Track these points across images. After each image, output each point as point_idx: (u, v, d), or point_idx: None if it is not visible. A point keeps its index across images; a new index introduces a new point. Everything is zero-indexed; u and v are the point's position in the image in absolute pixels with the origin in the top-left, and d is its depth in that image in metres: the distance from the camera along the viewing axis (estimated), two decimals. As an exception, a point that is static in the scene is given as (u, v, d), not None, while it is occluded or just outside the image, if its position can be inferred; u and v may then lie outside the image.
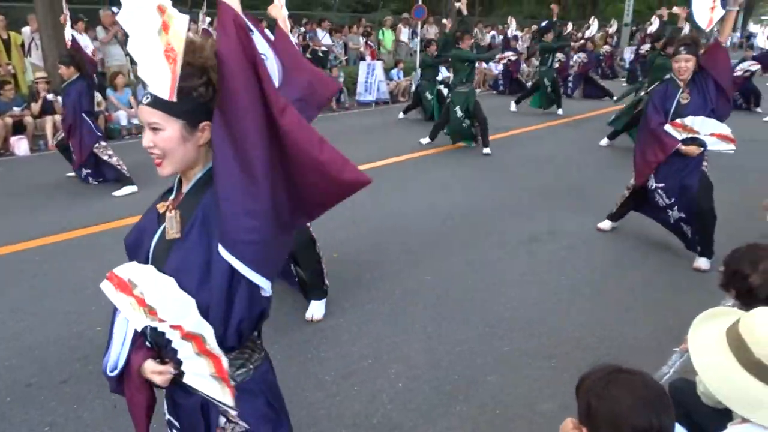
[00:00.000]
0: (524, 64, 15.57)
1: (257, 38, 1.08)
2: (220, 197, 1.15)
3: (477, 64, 9.31)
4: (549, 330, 3.34)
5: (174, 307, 1.22)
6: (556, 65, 11.43)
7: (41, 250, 4.44)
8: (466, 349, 3.15)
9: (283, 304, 3.56)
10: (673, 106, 4.06)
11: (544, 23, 11.28)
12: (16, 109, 7.97)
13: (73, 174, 6.30)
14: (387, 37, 15.05)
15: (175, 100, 1.15)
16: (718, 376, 1.43)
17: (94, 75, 6.55)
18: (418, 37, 13.49)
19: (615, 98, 11.62)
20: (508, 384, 2.84)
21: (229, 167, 1.13)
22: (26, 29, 9.27)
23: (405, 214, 5.29)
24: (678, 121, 4.01)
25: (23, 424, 2.55)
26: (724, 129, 3.96)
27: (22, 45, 9.29)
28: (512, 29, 14.74)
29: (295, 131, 1.12)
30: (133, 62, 1.30)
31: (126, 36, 1.25)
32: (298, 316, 3.43)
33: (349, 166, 1.18)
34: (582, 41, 14.16)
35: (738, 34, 28.39)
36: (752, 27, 30.16)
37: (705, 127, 3.95)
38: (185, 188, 1.32)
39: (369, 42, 14.33)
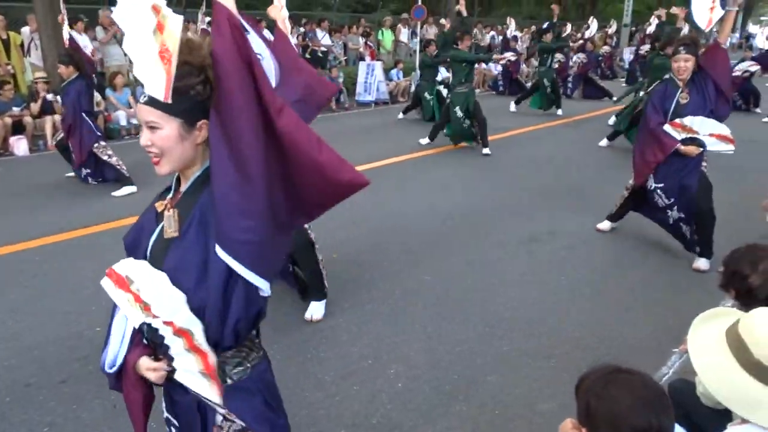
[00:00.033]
0: (524, 65, 15.58)
1: (253, 38, 1.07)
2: (216, 196, 1.15)
3: (476, 65, 9.32)
4: (549, 330, 3.34)
5: (167, 303, 1.23)
6: (556, 66, 11.43)
7: (41, 250, 4.44)
8: (465, 349, 3.15)
9: (283, 304, 3.56)
10: (673, 106, 4.06)
11: (545, 24, 11.28)
12: (16, 109, 7.96)
13: (72, 174, 6.29)
14: (386, 37, 15.06)
15: (170, 101, 1.15)
16: (717, 376, 1.43)
17: (93, 75, 6.54)
18: (418, 38, 13.50)
19: (615, 99, 11.63)
20: (508, 384, 2.84)
21: (225, 166, 1.13)
22: (26, 29, 9.27)
23: (405, 214, 5.29)
24: (677, 121, 4.01)
25: (22, 424, 2.54)
26: (723, 129, 3.96)
27: (22, 45, 9.29)
28: (511, 30, 14.74)
29: (292, 132, 1.12)
30: (132, 62, 1.29)
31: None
32: (297, 317, 3.43)
33: (347, 167, 1.18)
34: (581, 41, 14.16)
35: (737, 34, 28.41)
36: (751, 28, 30.18)
37: (704, 127, 3.95)
38: (183, 187, 1.32)
39: (368, 42, 14.33)
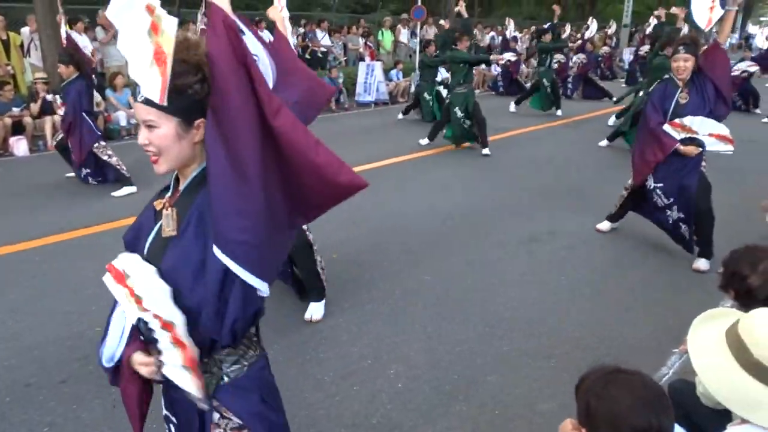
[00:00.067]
0: (523, 65, 15.59)
1: (249, 39, 1.07)
2: (212, 196, 1.15)
3: (477, 66, 9.31)
4: (549, 330, 3.35)
5: (154, 296, 1.23)
6: (555, 66, 11.43)
7: (41, 250, 4.44)
8: (465, 349, 3.15)
9: (282, 305, 3.56)
10: (672, 105, 4.06)
11: (546, 25, 11.29)
12: (16, 110, 7.96)
13: (72, 174, 6.29)
14: (386, 37, 15.07)
15: (165, 103, 1.15)
16: (717, 376, 1.43)
17: (93, 75, 6.55)
18: (418, 38, 13.50)
19: (615, 99, 11.64)
20: (508, 384, 2.84)
21: (221, 166, 1.13)
22: (25, 30, 9.27)
23: (405, 214, 5.29)
24: (677, 120, 4.01)
25: (22, 424, 2.55)
26: (722, 129, 3.96)
27: (22, 45, 9.29)
28: (510, 30, 14.74)
29: (289, 132, 1.12)
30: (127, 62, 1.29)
31: None
32: (297, 317, 3.44)
33: (345, 169, 1.18)
34: (579, 42, 14.17)
35: (736, 35, 28.43)
36: (751, 28, 30.21)
37: (704, 127, 3.95)
38: (182, 186, 1.32)
39: (368, 43, 14.34)
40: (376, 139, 8.89)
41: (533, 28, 18.17)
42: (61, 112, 5.75)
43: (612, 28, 18.49)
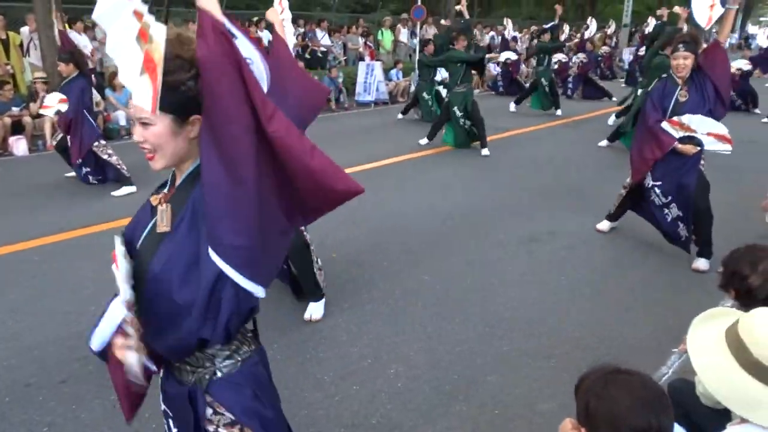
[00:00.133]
0: (523, 65, 15.59)
1: (242, 42, 1.05)
2: (206, 200, 1.15)
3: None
4: (549, 330, 3.35)
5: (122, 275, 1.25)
6: (555, 66, 11.43)
7: (40, 250, 4.44)
8: (465, 349, 3.15)
9: (282, 304, 3.56)
10: (671, 103, 4.06)
11: (548, 24, 11.29)
12: (15, 109, 7.96)
13: (72, 174, 6.29)
14: (386, 37, 15.07)
15: (157, 114, 1.15)
16: (717, 376, 1.43)
17: (93, 74, 6.56)
18: (417, 38, 13.50)
19: (619, 101, 11.64)
20: (508, 384, 2.84)
21: (215, 171, 1.13)
22: (25, 29, 9.27)
23: (405, 214, 5.29)
24: (675, 118, 4.00)
25: (22, 424, 2.54)
26: (721, 129, 3.95)
27: (21, 45, 9.29)
28: (509, 30, 14.74)
29: (283, 137, 1.12)
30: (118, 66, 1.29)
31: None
32: (296, 317, 3.43)
33: (341, 174, 1.18)
34: (577, 41, 14.18)
35: (736, 35, 28.44)
36: (751, 28, 30.22)
37: (702, 126, 3.94)
38: (178, 182, 1.33)
39: (368, 42, 14.34)
40: (376, 138, 8.89)
41: (533, 28, 18.17)
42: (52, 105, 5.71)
43: (611, 28, 18.50)
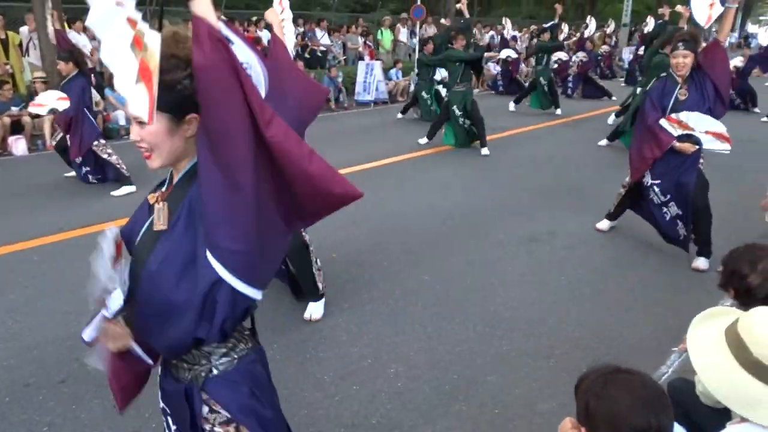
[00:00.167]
0: (523, 64, 15.59)
1: (239, 47, 1.05)
2: (204, 205, 1.16)
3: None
4: (548, 330, 3.35)
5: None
6: (555, 66, 11.42)
7: (40, 250, 4.44)
8: (465, 348, 3.15)
9: (281, 303, 3.56)
10: (671, 102, 4.05)
11: (548, 24, 11.29)
12: (14, 109, 7.96)
13: (71, 174, 6.29)
14: (386, 37, 15.06)
15: (154, 122, 1.16)
16: (716, 375, 1.43)
17: (92, 74, 6.56)
18: (417, 37, 13.50)
19: (621, 103, 11.62)
20: (508, 384, 2.84)
21: (213, 177, 1.13)
22: (24, 29, 9.27)
23: (404, 214, 5.29)
24: (673, 116, 4.00)
25: (22, 423, 2.54)
26: (719, 127, 3.93)
27: (20, 45, 9.29)
28: (508, 29, 14.74)
29: (281, 142, 1.12)
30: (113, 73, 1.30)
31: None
32: (296, 316, 3.43)
33: (339, 178, 1.19)
34: (574, 39, 14.18)
35: (736, 34, 28.44)
36: (750, 27, 30.22)
37: (700, 124, 3.93)
38: (175, 180, 1.33)
39: (367, 42, 14.34)
40: (376, 138, 8.89)
41: (533, 27, 18.16)
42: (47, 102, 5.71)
43: (611, 27, 18.49)
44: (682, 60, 3.94)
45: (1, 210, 5.33)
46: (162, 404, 1.46)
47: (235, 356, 1.36)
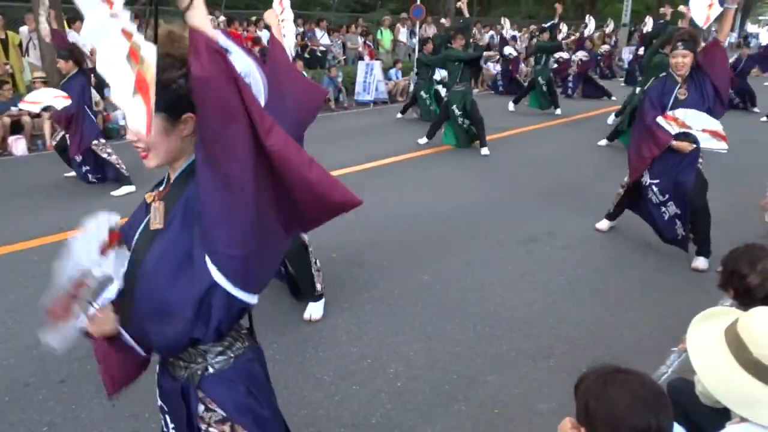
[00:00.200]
0: (522, 64, 15.59)
1: (237, 56, 1.05)
2: (202, 204, 1.17)
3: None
4: (548, 330, 3.35)
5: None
6: (555, 66, 11.42)
7: (40, 250, 4.44)
8: (465, 348, 3.15)
9: (281, 303, 3.56)
10: (671, 101, 4.05)
11: (548, 24, 11.29)
12: (14, 109, 7.95)
13: (71, 174, 6.29)
14: (385, 36, 15.06)
15: (152, 133, 1.16)
16: (716, 375, 1.43)
17: (92, 74, 6.55)
18: (417, 37, 13.50)
19: (621, 104, 11.63)
20: (507, 384, 2.84)
21: (212, 183, 1.14)
22: (24, 29, 9.27)
23: (404, 214, 5.29)
24: (670, 113, 3.99)
25: (21, 423, 2.54)
26: (716, 125, 3.92)
27: (20, 45, 9.29)
28: (506, 29, 14.74)
29: (282, 150, 1.13)
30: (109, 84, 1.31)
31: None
32: (296, 315, 3.43)
33: (339, 186, 1.21)
34: (572, 38, 14.17)
35: (735, 34, 28.42)
36: (750, 27, 30.22)
37: (697, 121, 3.92)
38: (171, 179, 1.34)
39: (367, 42, 14.34)
40: (375, 138, 8.89)
41: (532, 27, 18.16)
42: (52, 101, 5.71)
43: (610, 27, 18.48)
44: (682, 60, 3.95)
45: (1, 210, 5.33)
46: (160, 402, 1.47)
47: (232, 355, 1.37)
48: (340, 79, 11.98)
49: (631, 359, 2.75)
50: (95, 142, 5.88)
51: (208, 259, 1.18)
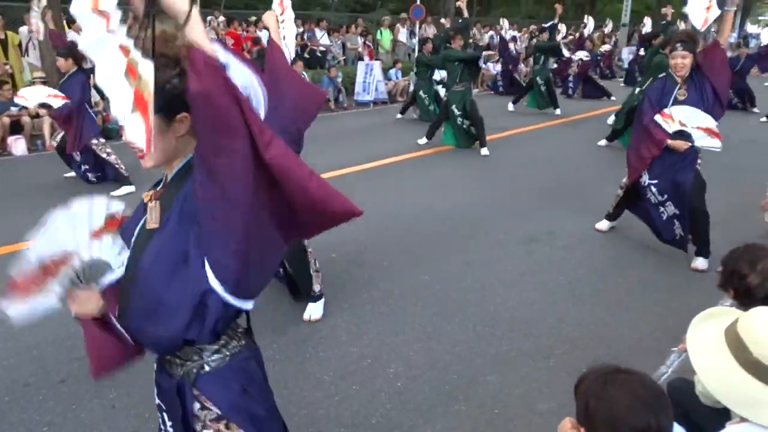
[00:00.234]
0: (522, 64, 15.59)
1: (237, 69, 1.05)
2: (200, 220, 1.18)
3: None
4: (548, 330, 3.35)
5: None
6: (554, 66, 11.40)
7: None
8: (465, 348, 3.15)
9: (281, 304, 3.56)
10: (670, 102, 4.06)
11: (548, 24, 11.29)
12: (14, 109, 7.95)
13: (71, 174, 6.29)
14: (385, 37, 15.06)
15: (152, 151, 1.18)
16: (716, 375, 1.43)
17: (92, 74, 6.55)
18: (416, 37, 13.49)
19: (616, 102, 11.64)
20: (507, 384, 2.84)
21: (209, 195, 1.15)
22: (24, 29, 9.26)
23: (404, 214, 5.29)
24: (666, 111, 4.00)
25: (21, 423, 2.54)
26: (709, 122, 3.91)
27: (20, 45, 9.28)
28: (505, 29, 14.73)
29: (281, 164, 1.14)
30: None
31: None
32: (296, 316, 3.43)
33: (339, 197, 1.22)
34: (571, 37, 14.16)
35: (735, 34, 28.41)
36: (750, 27, 30.21)
37: (692, 119, 3.92)
38: (168, 179, 1.35)
39: (367, 42, 14.34)
40: (375, 138, 8.89)
41: (532, 27, 18.16)
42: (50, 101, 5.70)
43: (608, 27, 18.48)
44: (681, 61, 3.95)
45: (1, 210, 5.32)
46: (157, 400, 1.47)
47: (227, 353, 1.37)
48: (339, 80, 11.98)
49: (631, 359, 2.76)
50: (95, 141, 5.88)
51: (207, 265, 1.19)
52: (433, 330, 3.34)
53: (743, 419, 1.39)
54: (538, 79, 10.70)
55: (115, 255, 1.38)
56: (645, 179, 4.24)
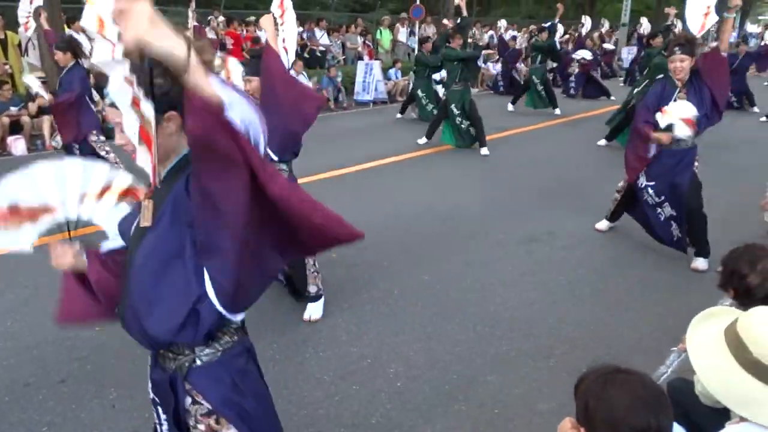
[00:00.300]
0: (521, 64, 15.59)
1: (237, 104, 1.04)
2: (198, 238, 1.21)
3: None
4: (548, 330, 3.35)
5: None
6: (553, 65, 11.38)
7: (39, 249, 4.42)
8: (465, 348, 3.15)
9: (281, 304, 3.56)
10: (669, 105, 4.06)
11: (547, 24, 11.28)
12: (13, 109, 7.96)
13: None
14: (385, 36, 15.05)
15: (159, 185, 1.23)
16: (716, 375, 1.43)
17: (91, 74, 6.54)
18: (416, 37, 13.49)
19: (616, 101, 11.63)
20: (507, 384, 2.84)
21: (207, 215, 1.16)
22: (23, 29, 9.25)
23: (404, 214, 5.29)
24: (665, 108, 4.00)
25: (21, 423, 2.54)
26: (691, 112, 3.87)
27: (19, 45, 9.27)
28: (503, 29, 14.72)
29: (286, 199, 1.15)
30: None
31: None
32: (296, 315, 3.43)
33: (342, 224, 1.24)
34: (568, 36, 14.16)
35: (735, 33, 28.40)
36: (749, 27, 30.20)
37: (679, 111, 3.89)
38: (161, 177, 1.36)
39: (367, 42, 14.33)
40: (375, 138, 8.89)
41: (532, 27, 18.16)
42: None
43: (605, 27, 18.50)
44: (679, 64, 3.94)
45: (0, 210, 5.32)
46: (151, 394, 1.49)
47: (219, 348, 1.38)
48: (339, 79, 11.98)
49: (631, 359, 2.76)
50: (94, 138, 5.86)
51: (206, 271, 1.23)
52: (433, 330, 3.34)
53: (743, 419, 1.39)
54: (534, 78, 10.69)
55: (112, 223, 1.41)
56: (642, 181, 4.25)
